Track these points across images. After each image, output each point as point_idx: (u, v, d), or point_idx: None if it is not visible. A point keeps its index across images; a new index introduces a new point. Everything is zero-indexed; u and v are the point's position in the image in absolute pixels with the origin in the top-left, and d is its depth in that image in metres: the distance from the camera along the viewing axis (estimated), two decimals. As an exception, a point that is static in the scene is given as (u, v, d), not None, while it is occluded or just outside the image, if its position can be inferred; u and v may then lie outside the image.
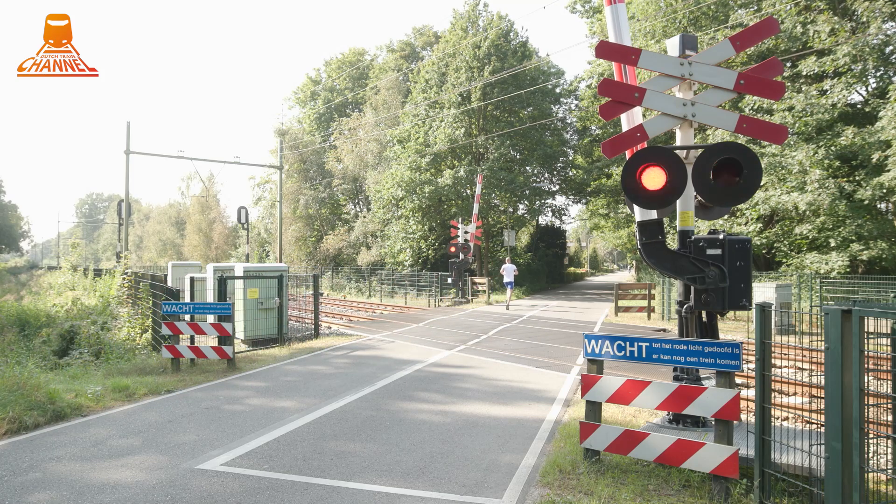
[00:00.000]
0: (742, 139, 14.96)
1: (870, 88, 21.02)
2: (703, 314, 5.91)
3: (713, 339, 5.76)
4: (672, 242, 24.60)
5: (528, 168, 36.97)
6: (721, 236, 5.64)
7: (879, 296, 16.50)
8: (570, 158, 40.11)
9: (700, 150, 5.69)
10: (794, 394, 8.92)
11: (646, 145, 6.05)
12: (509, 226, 34.91)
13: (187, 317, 11.15)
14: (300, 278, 34.79)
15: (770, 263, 22.92)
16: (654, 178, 5.59)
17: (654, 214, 5.93)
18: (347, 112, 53.41)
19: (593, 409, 5.33)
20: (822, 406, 3.91)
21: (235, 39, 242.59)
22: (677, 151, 5.83)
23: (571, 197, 40.96)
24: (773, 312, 4.58)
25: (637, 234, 5.99)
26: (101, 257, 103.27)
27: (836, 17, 18.59)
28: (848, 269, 18.34)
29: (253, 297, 13.49)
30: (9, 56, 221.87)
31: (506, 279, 23.07)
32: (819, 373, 9.50)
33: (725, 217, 20.40)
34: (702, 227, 18.20)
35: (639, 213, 6.07)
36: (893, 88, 17.43)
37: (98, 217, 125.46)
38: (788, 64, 20.07)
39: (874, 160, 17.47)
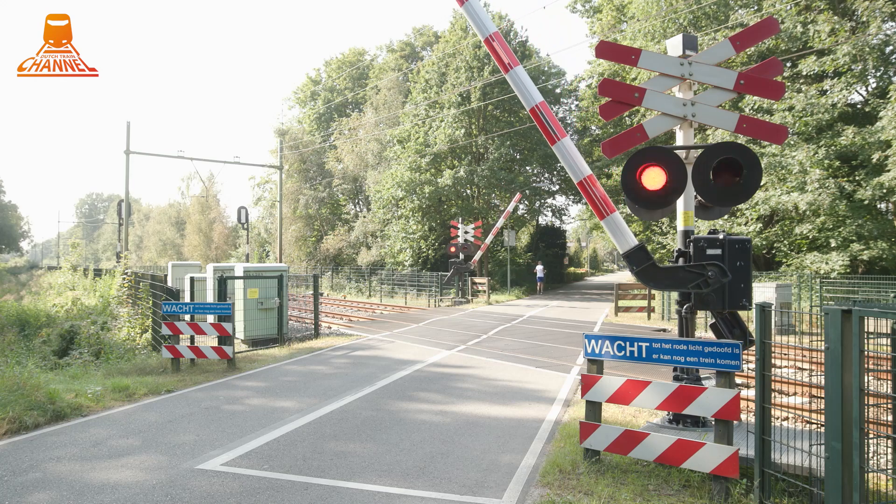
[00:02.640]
0: (742, 139, 14.96)
1: (870, 88, 21.02)
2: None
3: (741, 329, 5.70)
4: (673, 243, 24.61)
5: (528, 168, 36.97)
6: (721, 236, 5.63)
7: (879, 296, 16.49)
8: (570, 158, 40.05)
9: (700, 150, 5.69)
10: (794, 394, 8.92)
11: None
12: (509, 226, 34.89)
13: (187, 317, 11.16)
14: (300, 278, 34.84)
15: (770, 263, 22.91)
16: (654, 178, 5.60)
17: (634, 242, 5.90)
18: (347, 112, 53.44)
19: (593, 409, 5.33)
20: (822, 406, 3.91)
21: (235, 40, 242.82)
22: (677, 151, 5.84)
23: (571, 197, 40.96)
24: (773, 312, 4.58)
25: (627, 265, 5.95)
26: (101, 257, 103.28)
27: (836, 17, 18.59)
28: (848, 269, 18.34)
29: (253, 297, 13.49)
30: (9, 56, 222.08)
31: (538, 276, 32.87)
32: (819, 373, 9.50)
33: (725, 217, 20.40)
34: (702, 227, 18.20)
35: (621, 246, 5.99)
36: (893, 88, 17.43)
37: (98, 217, 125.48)
38: (788, 64, 20.07)
39: (874, 160, 17.47)
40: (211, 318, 11.55)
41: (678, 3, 22.82)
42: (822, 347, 3.80)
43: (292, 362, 10.97)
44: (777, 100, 10.37)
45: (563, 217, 43.59)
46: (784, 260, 21.04)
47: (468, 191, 34.46)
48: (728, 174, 5.46)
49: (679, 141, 6.14)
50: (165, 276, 20.04)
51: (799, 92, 19.18)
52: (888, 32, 18.40)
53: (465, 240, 27.06)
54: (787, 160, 18.86)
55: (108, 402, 7.82)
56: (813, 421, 7.15)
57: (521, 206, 38.85)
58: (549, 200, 40.21)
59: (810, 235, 19.09)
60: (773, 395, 4.78)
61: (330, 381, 9.11)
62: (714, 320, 5.89)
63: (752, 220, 20.85)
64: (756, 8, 21.67)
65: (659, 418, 6.34)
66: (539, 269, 33.19)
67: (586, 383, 5.31)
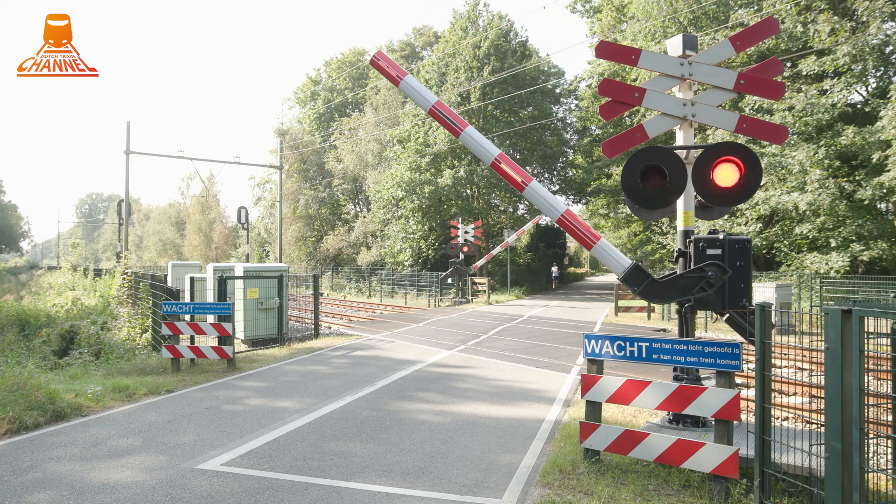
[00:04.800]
0: (742, 139, 14.96)
1: (870, 88, 21.03)
2: None
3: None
4: (673, 243, 24.59)
5: (528, 168, 36.95)
6: (721, 236, 5.63)
7: (879, 296, 16.49)
8: (570, 158, 40.14)
9: (700, 150, 5.69)
10: (794, 394, 8.92)
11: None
12: (509, 226, 34.93)
13: (187, 317, 11.15)
14: (300, 278, 34.82)
15: (770, 263, 22.91)
16: (654, 178, 5.60)
17: (627, 263, 5.89)
18: (347, 112, 53.40)
19: (593, 409, 5.33)
20: (822, 406, 3.91)
21: (235, 40, 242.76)
22: (677, 151, 5.84)
23: (571, 197, 40.98)
24: (773, 312, 4.58)
25: (628, 287, 5.94)
26: (101, 257, 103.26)
27: (836, 17, 18.59)
28: (848, 270, 18.34)
29: (253, 297, 13.49)
30: (9, 56, 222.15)
31: (554, 275, 39.08)
32: (819, 373, 9.50)
33: (725, 217, 20.41)
34: (702, 228, 18.20)
35: (615, 270, 5.98)
36: (893, 88, 17.43)
37: (98, 217, 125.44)
38: (788, 64, 20.07)
39: (874, 160, 17.48)
40: (211, 318, 11.55)
41: (678, 3, 22.81)
42: (822, 347, 3.80)
43: (292, 362, 10.97)
44: (777, 100, 10.37)
45: (564, 217, 43.62)
46: (784, 260, 21.04)
47: (468, 191, 34.45)
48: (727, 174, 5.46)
49: (679, 141, 6.14)
50: (165, 276, 20.04)
51: (799, 92, 19.18)
52: (888, 32, 18.41)
53: (465, 240, 27.06)
54: (787, 160, 18.87)
55: (108, 402, 7.82)
56: (813, 421, 7.15)
57: (520, 206, 38.91)
58: (550, 200, 40.22)
59: (810, 235, 19.09)
60: (773, 395, 4.78)
61: (330, 381, 9.11)
62: (728, 314, 5.84)
63: (752, 220, 20.85)
64: (756, 8, 21.67)
65: (659, 418, 6.34)
66: (554, 269, 39.69)
67: (586, 383, 5.31)
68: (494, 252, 28.93)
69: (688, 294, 5.60)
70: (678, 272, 5.82)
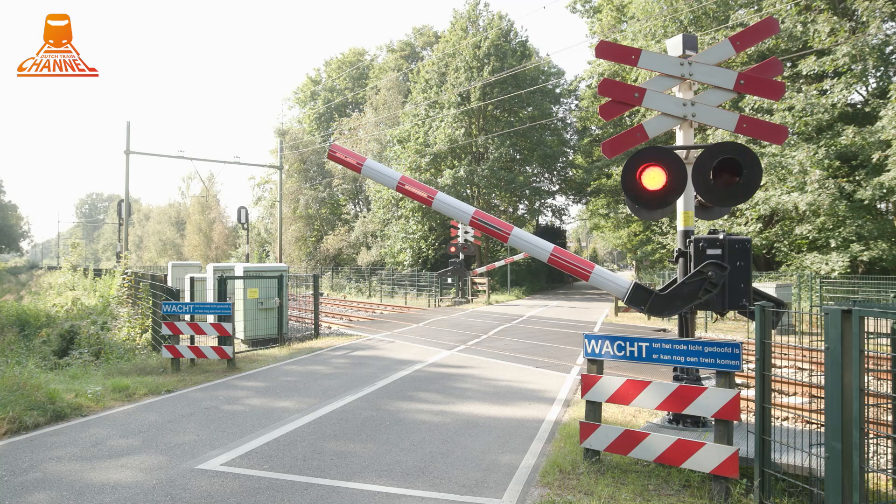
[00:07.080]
0: (742, 139, 14.96)
1: (870, 88, 21.02)
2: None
3: (772, 301, 5.63)
4: (673, 243, 24.56)
5: (528, 168, 36.97)
6: (721, 236, 5.62)
7: (879, 296, 16.49)
8: (570, 158, 40.14)
9: (700, 150, 5.69)
10: (794, 394, 8.92)
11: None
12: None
13: (187, 317, 11.15)
14: (300, 278, 34.80)
15: (770, 263, 22.91)
16: (654, 178, 5.60)
17: (626, 283, 5.90)
18: (347, 112, 53.40)
19: (593, 409, 5.33)
20: (822, 406, 3.91)
21: (235, 39, 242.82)
22: (677, 151, 5.83)
23: (571, 197, 41.01)
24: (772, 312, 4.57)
25: (633, 307, 5.93)
26: (101, 257, 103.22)
27: (835, 17, 18.58)
28: (848, 270, 18.33)
29: (253, 297, 13.48)
30: (9, 56, 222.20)
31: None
32: (819, 373, 9.50)
33: (725, 217, 20.40)
34: (702, 228, 18.19)
35: (617, 293, 5.99)
36: (893, 88, 17.42)
37: (98, 217, 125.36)
38: (788, 64, 20.07)
39: (874, 160, 17.47)
40: (211, 318, 11.55)
41: (678, 3, 22.80)
42: (822, 347, 3.80)
43: (292, 362, 10.96)
44: (777, 100, 10.36)
45: (563, 217, 43.70)
46: (784, 260, 21.04)
47: (468, 191, 34.45)
48: (728, 174, 5.46)
49: (679, 141, 6.14)
50: (165, 276, 20.03)
51: (799, 92, 19.17)
52: (888, 32, 18.40)
53: (465, 240, 27.06)
54: (787, 160, 18.86)
55: (108, 402, 7.82)
56: (813, 421, 7.14)
57: (521, 206, 38.91)
58: (549, 200, 40.28)
59: (810, 236, 19.09)
60: (773, 395, 4.78)
61: (330, 382, 9.10)
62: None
63: (752, 220, 20.85)
64: (756, 8, 21.66)
65: (659, 418, 6.34)
66: None
67: (586, 383, 5.31)
68: (497, 265, 28.81)
69: (694, 300, 5.57)
70: (678, 278, 5.81)
